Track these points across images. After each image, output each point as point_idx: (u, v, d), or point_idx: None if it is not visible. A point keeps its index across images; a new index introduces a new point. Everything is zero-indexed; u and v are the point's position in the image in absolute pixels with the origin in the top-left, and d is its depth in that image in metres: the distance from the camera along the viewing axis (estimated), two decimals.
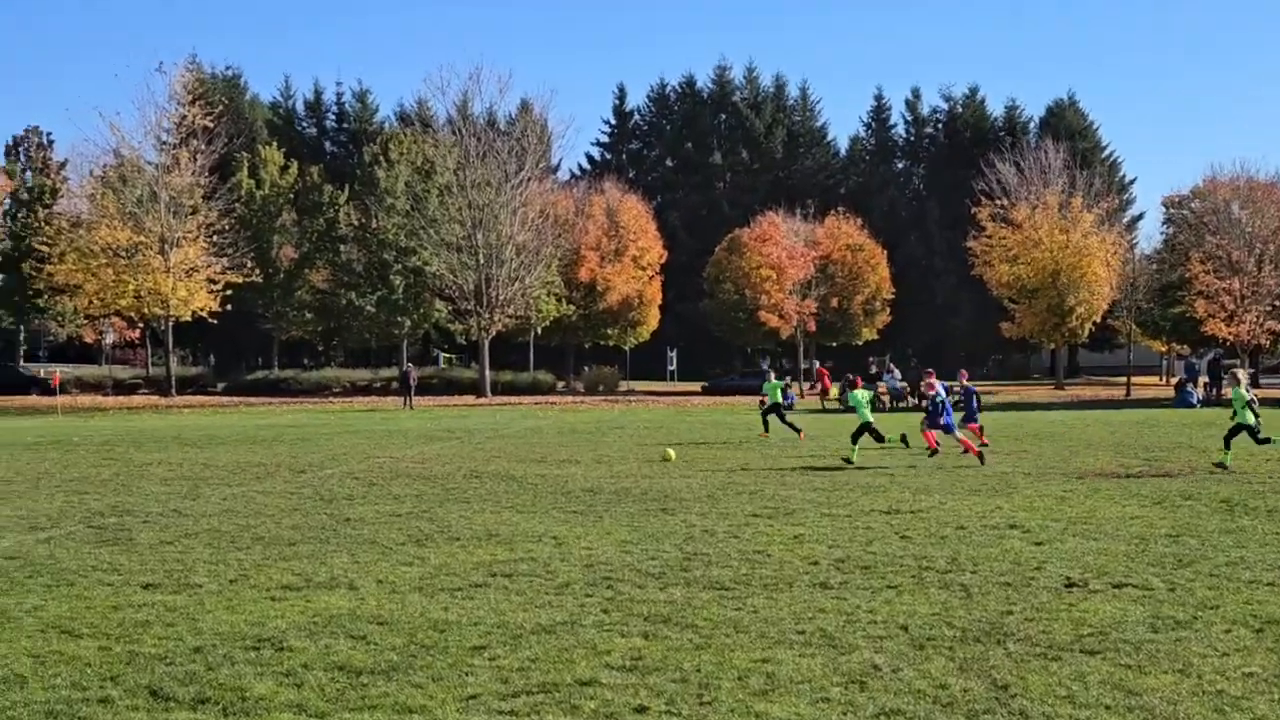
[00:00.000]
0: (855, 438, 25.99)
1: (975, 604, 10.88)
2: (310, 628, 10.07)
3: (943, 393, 27.33)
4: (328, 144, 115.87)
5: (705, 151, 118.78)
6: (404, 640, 9.59)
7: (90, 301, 71.52)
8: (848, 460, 24.78)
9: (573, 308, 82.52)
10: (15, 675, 8.59)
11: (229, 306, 70.44)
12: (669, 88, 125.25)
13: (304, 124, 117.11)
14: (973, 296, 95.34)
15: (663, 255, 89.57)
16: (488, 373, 72.25)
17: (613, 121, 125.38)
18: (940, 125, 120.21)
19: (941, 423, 26.64)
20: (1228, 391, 35.95)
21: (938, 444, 26.80)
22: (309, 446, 32.06)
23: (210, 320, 70.34)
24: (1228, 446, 23.64)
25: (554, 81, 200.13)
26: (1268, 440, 23.94)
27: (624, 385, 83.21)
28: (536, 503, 18.68)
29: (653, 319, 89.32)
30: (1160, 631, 9.79)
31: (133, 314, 73.38)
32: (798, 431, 32.68)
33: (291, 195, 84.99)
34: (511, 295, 72.29)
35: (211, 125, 70.70)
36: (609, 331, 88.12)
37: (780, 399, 34.48)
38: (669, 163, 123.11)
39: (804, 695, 8.06)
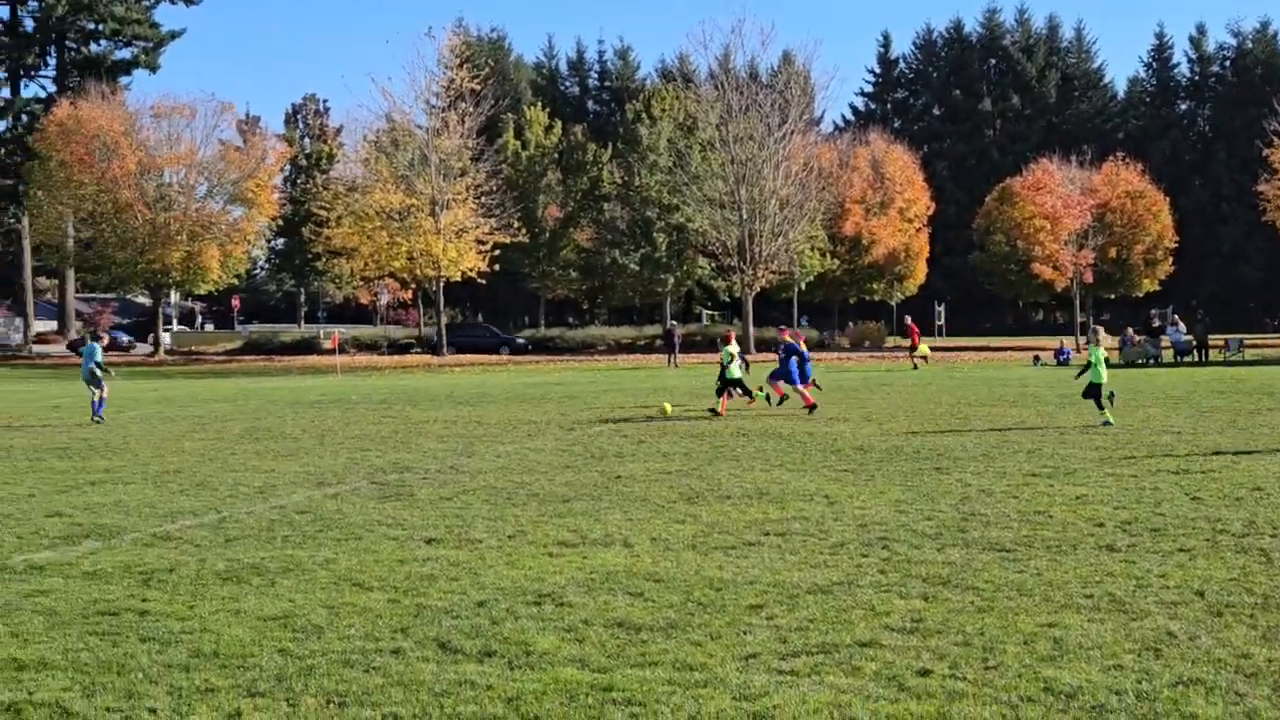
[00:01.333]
0: (1096, 400, 24.40)
1: (1277, 570, 10.42)
2: (588, 584, 10.30)
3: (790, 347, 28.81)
4: (590, 103, 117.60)
5: (974, 98, 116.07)
6: (680, 598, 9.73)
7: (365, 264, 74.29)
8: (1107, 423, 23.73)
9: (837, 262, 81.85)
10: (312, 625, 9.04)
11: (496, 266, 72.19)
12: (935, 34, 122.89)
13: (567, 83, 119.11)
14: (1265, 244, 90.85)
15: (930, 207, 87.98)
16: (751, 329, 72.29)
17: (877, 70, 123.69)
18: (1228, 63, 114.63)
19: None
20: None
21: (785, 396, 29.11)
22: (577, 404, 32.69)
23: (479, 280, 72.27)
24: None
25: (817, 32, 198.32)
26: None
27: (891, 341, 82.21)
28: (806, 461, 18.66)
29: (920, 273, 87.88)
30: None
31: (405, 275, 75.98)
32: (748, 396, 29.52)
33: (556, 155, 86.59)
34: (775, 250, 72.08)
35: (478, 88, 72.39)
36: (874, 286, 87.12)
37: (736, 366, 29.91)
38: (936, 111, 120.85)
39: (1095, 661, 7.86)
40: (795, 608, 9.35)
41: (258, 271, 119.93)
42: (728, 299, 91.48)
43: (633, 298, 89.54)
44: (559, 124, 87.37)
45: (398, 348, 79.36)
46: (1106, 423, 23.27)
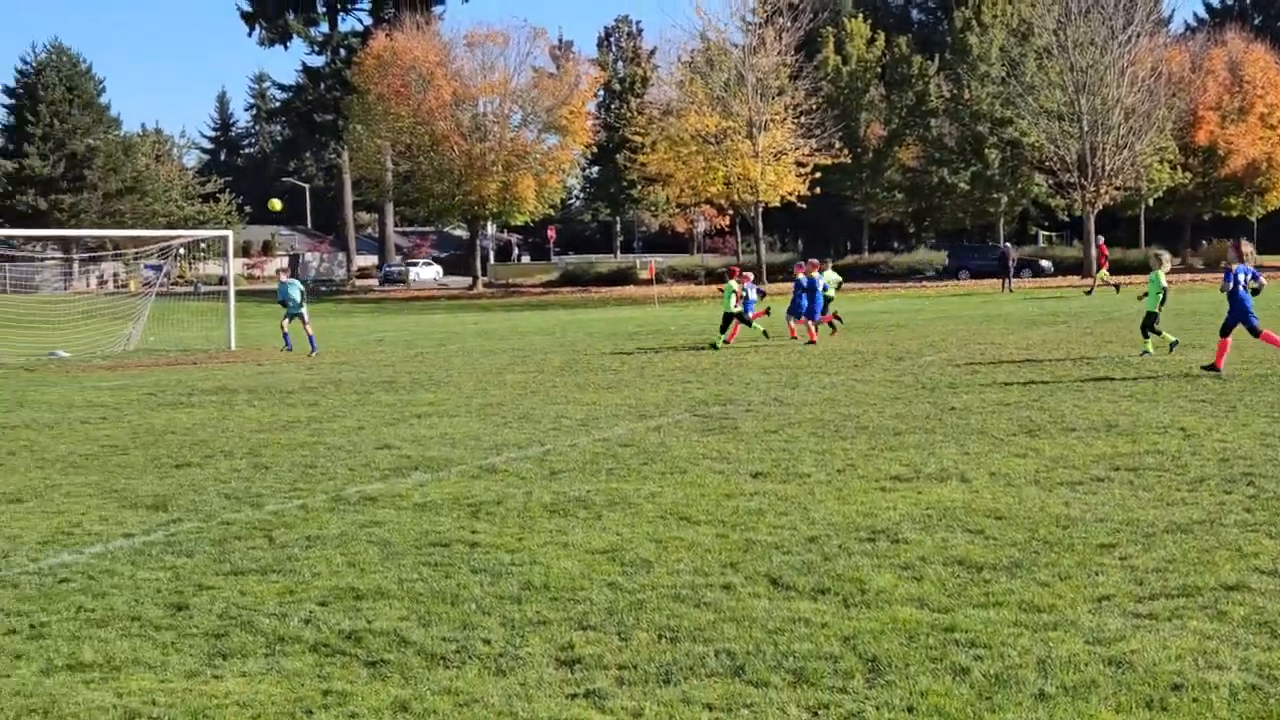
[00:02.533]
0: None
1: None
2: (924, 520, 10.20)
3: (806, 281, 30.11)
4: (915, 12, 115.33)
5: None
6: (1024, 536, 9.53)
7: (681, 190, 75.10)
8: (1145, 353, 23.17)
9: (1189, 176, 78.18)
10: (641, 559, 9.25)
11: (817, 190, 71.81)
12: None
13: None
14: None
15: None
16: (1093, 250, 69.91)
17: None
18: None
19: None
20: None
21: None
22: (905, 333, 32.34)
23: (799, 205, 72.05)
24: None
25: None
26: None
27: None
28: (1158, 391, 17.98)
29: None
30: None
31: (722, 201, 76.44)
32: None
33: (879, 69, 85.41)
34: (1119, 164, 69.39)
35: (797, 2, 71.89)
36: (1231, 201, 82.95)
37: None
38: None
39: None
40: (1151, 548, 9.04)
41: (572, 201, 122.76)
42: (1066, 218, 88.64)
43: (962, 219, 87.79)
44: (882, 36, 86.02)
45: (715, 277, 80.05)
46: (1145, 352, 23.15)
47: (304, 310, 32.04)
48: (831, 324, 32.23)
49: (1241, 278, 20.50)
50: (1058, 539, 9.39)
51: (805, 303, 30.02)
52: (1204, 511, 10.15)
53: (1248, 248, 21.88)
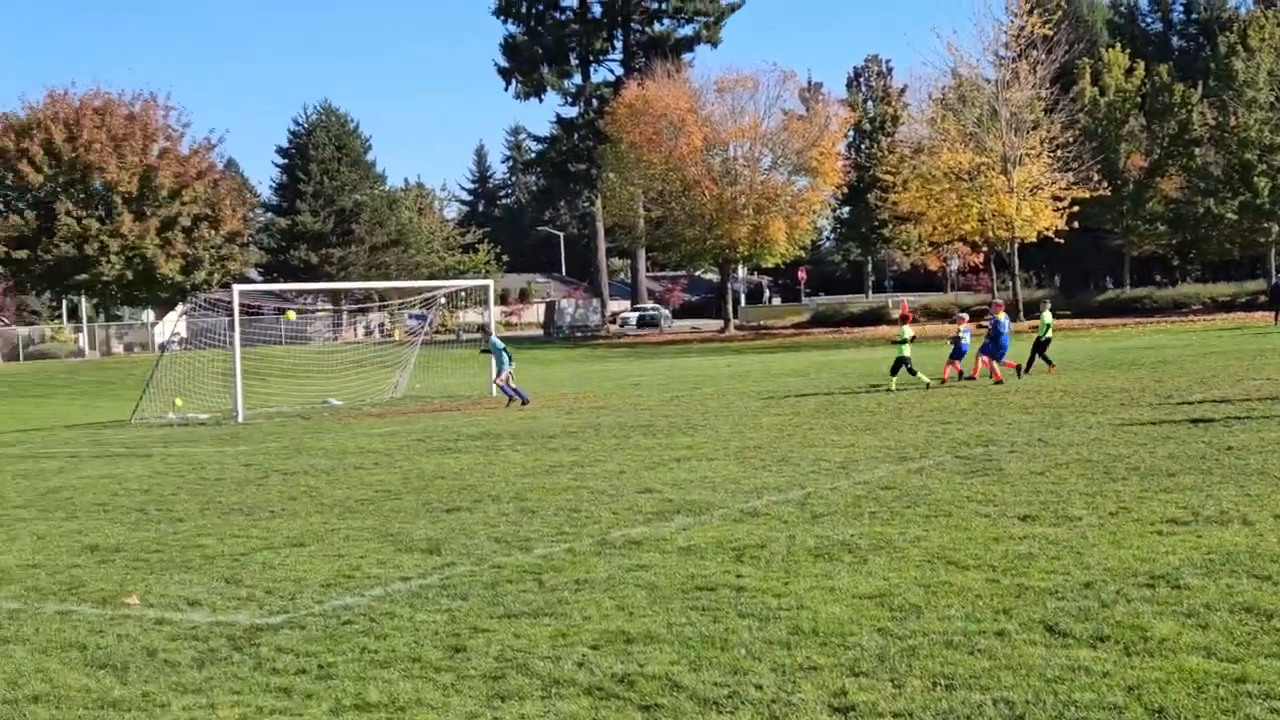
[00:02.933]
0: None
1: None
2: (1206, 565, 9.82)
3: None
4: (1175, 39, 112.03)
5: None
6: None
7: (933, 228, 74.19)
8: None
9: None
10: (909, 605, 9.12)
11: (1075, 224, 70.11)
12: None
13: (1148, 20, 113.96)
14: None
15: None
16: None
17: None
18: None
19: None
20: None
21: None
22: (1172, 369, 31.28)
23: (1056, 240, 70.44)
24: None
25: None
26: None
27: None
28: None
29: None
30: None
31: (976, 238, 75.22)
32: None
33: (1138, 99, 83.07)
34: None
35: (1050, 33, 70.53)
36: None
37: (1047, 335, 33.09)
38: None
39: None
40: None
41: (823, 242, 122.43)
42: None
43: (1230, 250, 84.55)
44: (1141, 65, 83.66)
45: (972, 315, 78.70)
46: None
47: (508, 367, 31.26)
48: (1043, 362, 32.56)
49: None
50: None
51: (991, 344, 30.21)
52: None
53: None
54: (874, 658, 7.86)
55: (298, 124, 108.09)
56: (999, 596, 9.21)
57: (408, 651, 8.59)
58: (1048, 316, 34.10)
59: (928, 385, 28.87)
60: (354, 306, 76.29)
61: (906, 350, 29.88)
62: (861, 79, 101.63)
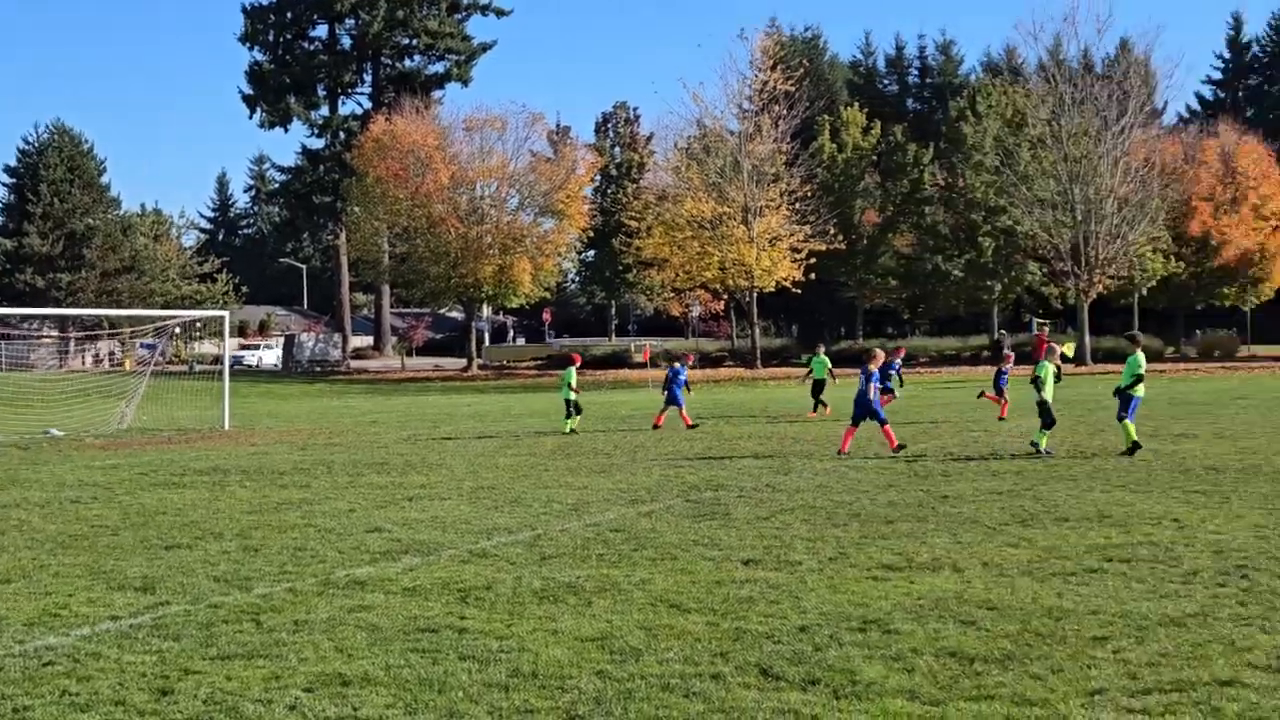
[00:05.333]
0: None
1: None
2: (916, 610, 10.15)
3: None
4: (910, 101, 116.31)
5: None
6: (1017, 627, 9.48)
7: (676, 274, 75.30)
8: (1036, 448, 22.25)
9: (1182, 265, 78.48)
10: (630, 647, 9.18)
11: (812, 275, 72.07)
12: None
13: (885, 81, 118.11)
14: None
15: None
16: (1088, 339, 70.07)
17: (1226, 56, 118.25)
18: None
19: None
20: None
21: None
22: (897, 420, 32.28)
23: (793, 290, 72.26)
24: None
25: (1158, 17, 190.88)
26: None
27: (1244, 350, 78.39)
28: (1151, 481, 17.96)
29: (1277, 276, 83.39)
30: None
31: (717, 286, 76.64)
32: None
33: (874, 157, 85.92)
34: (1112, 254, 69.68)
35: (792, 89, 72.48)
36: (1225, 291, 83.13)
37: (824, 375, 34.99)
38: None
39: None
40: (1145, 641, 9.00)
41: (568, 284, 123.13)
42: (1060, 306, 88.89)
43: (956, 306, 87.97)
44: (877, 124, 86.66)
45: (709, 361, 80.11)
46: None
47: None
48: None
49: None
50: (1050, 631, 9.35)
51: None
52: (1197, 604, 10.11)
53: (879, 354, 25.08)
54: (591, 700, 7.87)
55: (27, 143, 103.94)
56: (718, 640, 9.34)
57: (111, 694, 8.26)
58: (824, 359, 35.66)
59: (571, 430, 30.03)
60: (82, 334, 73.51)
61: (570, 393, 30.71)
62: (609, 124, 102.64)
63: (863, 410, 23.34)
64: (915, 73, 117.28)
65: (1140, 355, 22.52)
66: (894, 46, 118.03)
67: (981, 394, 34.18)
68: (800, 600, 10.62)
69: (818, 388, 35.12)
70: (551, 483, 19.69)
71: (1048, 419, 22.44)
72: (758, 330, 77.91)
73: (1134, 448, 21.44)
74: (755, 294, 73.48)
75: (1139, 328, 79.73)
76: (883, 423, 23.48)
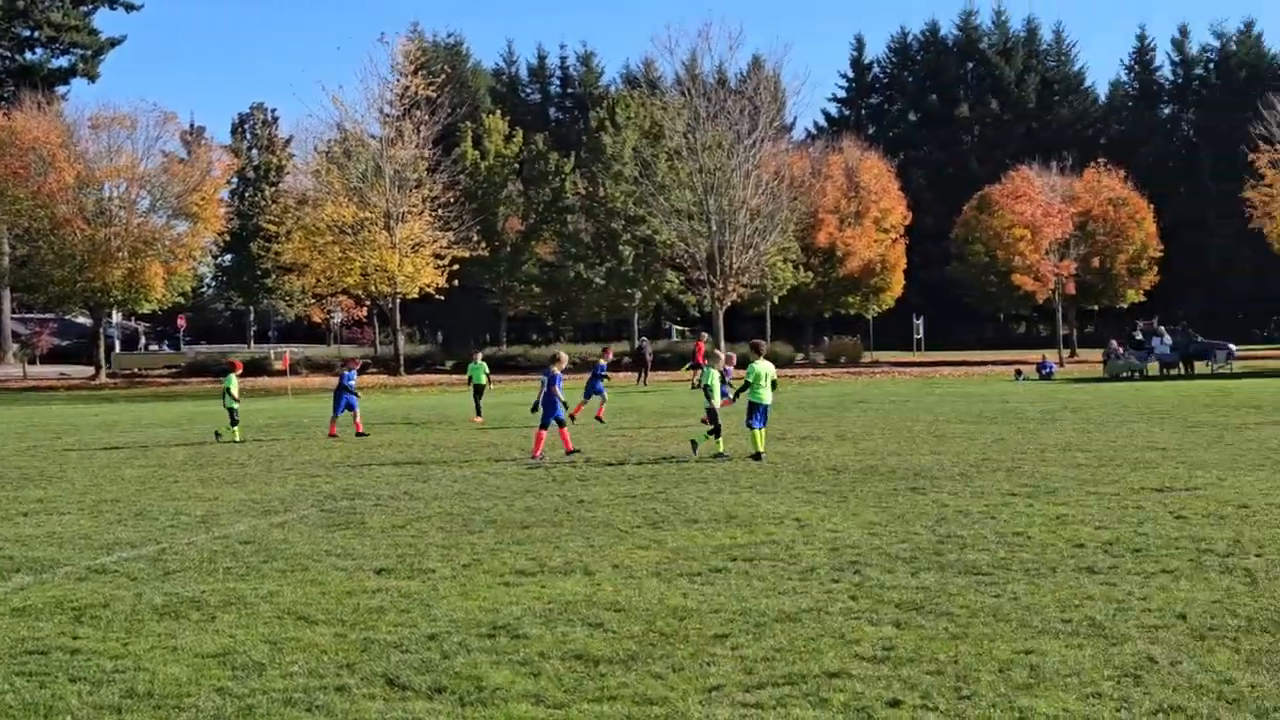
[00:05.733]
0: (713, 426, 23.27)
1: (1262, 590, 10.47)
2: (546, 614, 10.25)
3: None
4: (552, 110, 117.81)
5: (951, 104, 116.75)
6: (642, 628, 9.69)
7: (317, 280, 74.00)
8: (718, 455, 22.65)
9: (811, 275, 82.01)
10: (253, 662, 8.96)
11: (456, 282, 72.00)
12: (910, 37, 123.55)
13: (528, 90, 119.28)
14: (1252, 253, 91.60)
15: (906, 217, 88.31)
16: (723, 345, 72.30)
17: (850, 75, 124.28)
18: (1212, 65, 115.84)
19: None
20: None
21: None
22: (535, 424, 32.56)
23: (437, 297, 72.05)
24: None
25: (787, 35, 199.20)
26: None
27: (867, 356, 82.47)
28: (777, 482, 18.66)
29: (897, 285, 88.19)
30: None
31: (359, 292, 75.73)
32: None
33: (516, 165, 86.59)
34: (746, 263, 72.13)
35: (434, 95, 72.28)
36: (850, 299, 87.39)
37: (483, 380, 36.30)
38: (911, 117, 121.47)
39: (1072, 689, 7.86)
40: (761, 637, 9.33)
41: (204, 289, 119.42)
42: (698, 314, 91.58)
43: (598, 313, 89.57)
44: (519, 133, 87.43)
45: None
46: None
47: None
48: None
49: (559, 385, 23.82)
50: (674, 630, 9.58)
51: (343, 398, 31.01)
52: (813, 600, 10.55)
53: (563, 357, 25.21)
54: (209, 718, 7.64)
55: None
56: (344, 651, 9.21)
57: None
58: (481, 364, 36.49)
59: (217, 435, 29.70)
60: None
61: (233, 402, 30.14)
62: (246, 126, 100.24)
63: (550, 412, 23.64)
64: (557, 82, 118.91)
65: (760, 364, 22.77)
66: (536, 56, 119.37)
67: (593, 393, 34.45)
68: (431, 608, 10.58)
69: (478, 393, 35.30)
70: (180, 495, 19.04)
71: (716, 425, 23.02)
72: (401, 337, 77.39)
73: (756, 456, 22.11)
74: (398, 300, 72.96)
75: (771, 335, 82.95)
76: (561, 425, 23.87)
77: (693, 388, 49.78)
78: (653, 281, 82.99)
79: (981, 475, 18.87)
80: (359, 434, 29.76)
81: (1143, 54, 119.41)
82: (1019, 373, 57.43)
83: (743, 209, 71.37)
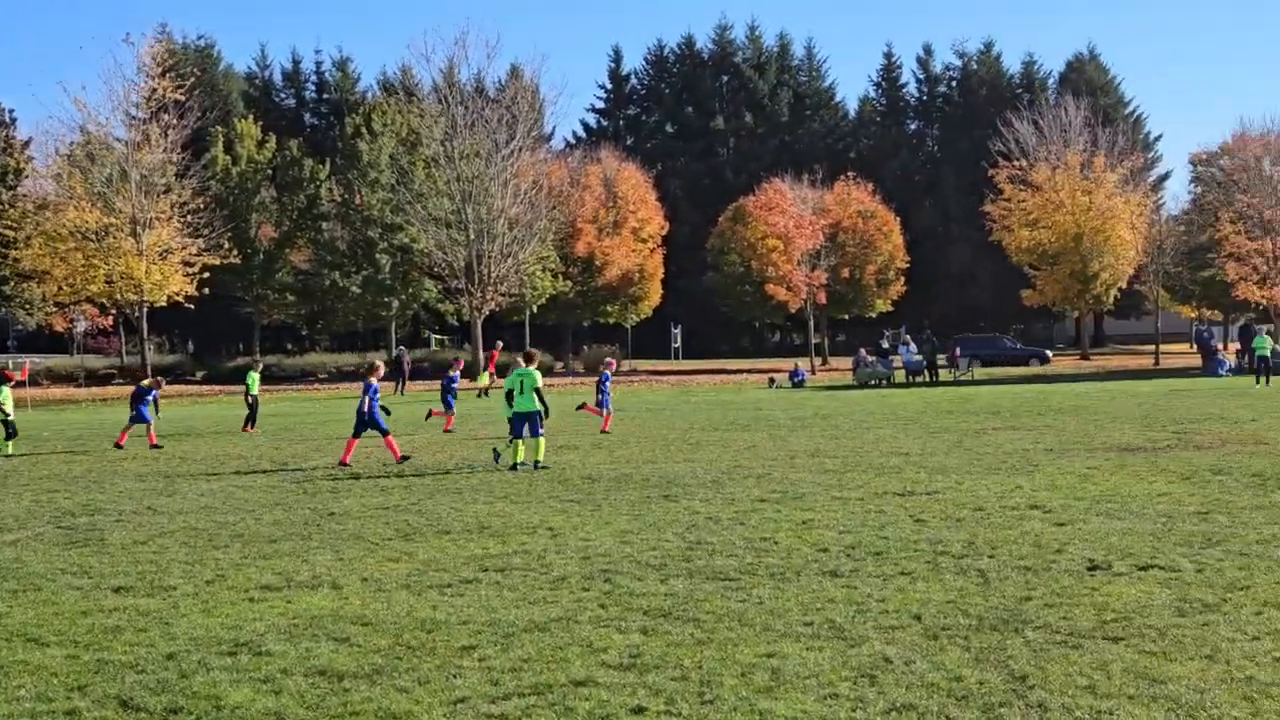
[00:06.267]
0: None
1: (993, 590, 10.88)
2: (290, 630, 10.07)
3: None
4: (307, 116, 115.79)
5: (707, 116, 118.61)
6: (389, 641, 9.60)
7: (59, 288, 71.29)
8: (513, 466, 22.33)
9: (570, 284, 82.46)
10: None
11: (206, 290, 70.17)
12: (667, 49, 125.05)
13: (282, 95, 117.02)
14: (992, 264, 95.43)
15: (664, 227, 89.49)
16: (481, 354, 72.16)
17: (608, 86, 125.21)
18: (954, 83, 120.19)
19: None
20: None
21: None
22: (292, 436, 32.07)
23: (187, 305, 70.01)
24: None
25: (545, 45, 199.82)
26: None
27: (626, 365, 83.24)
28: (531, 492, 18.69)
29: (655, 294, 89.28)
30: (1187, 615, 9.80)
31: (105, 300, 73.19)
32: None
33: (270, 171, 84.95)
34: (504, 272, 72.14)
35: (183, 98, 70.30)
36: (609, 308, 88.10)
37: (257, 391, 36.21)
38: (669, 129, 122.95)
39: (810, 691, 8.06)
40: (510, 647, 9.33)
41: None
42: (457, 323, 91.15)
43: (355, 322, 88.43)
44: (273, 138, 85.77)
45: (97, 379, 76.53)
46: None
47: None
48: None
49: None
50: (421, 643, 9.52)
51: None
52: (562, 609, 10.59)
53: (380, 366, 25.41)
54: None
55: None
56: (76, 673, 8.89)
57: None
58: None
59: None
60: None
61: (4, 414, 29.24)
62: None
63: (363, 422, 23.80)
64: (312, 88, 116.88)
65: (527, 373, 22.81)
66: (290, 61, 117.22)
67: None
68: (171, 627, 10.29)
69: (253, 404, 35.25)
70: None
71: (519, 433, 22.76)
72: (149, 346, 75.09)
73: (514, 466, 22.10)
74: (146, 309, 70.77)
75: (530, 343, 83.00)
76: (385, 434, 23.95)
77: (478, 396, 49.76)
78: (410, 290, 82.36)
79: (733, 482, 19.21)
80: (153, 446, 28.94)
81: (889, 71, 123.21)
82: (772, 380, 58.71)
83: (501, 218, 71.38)
